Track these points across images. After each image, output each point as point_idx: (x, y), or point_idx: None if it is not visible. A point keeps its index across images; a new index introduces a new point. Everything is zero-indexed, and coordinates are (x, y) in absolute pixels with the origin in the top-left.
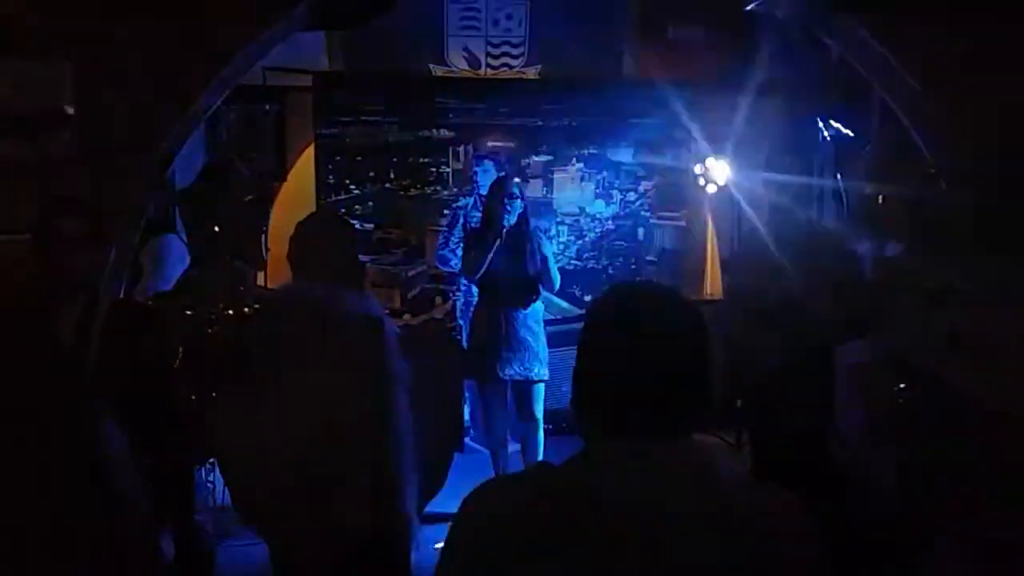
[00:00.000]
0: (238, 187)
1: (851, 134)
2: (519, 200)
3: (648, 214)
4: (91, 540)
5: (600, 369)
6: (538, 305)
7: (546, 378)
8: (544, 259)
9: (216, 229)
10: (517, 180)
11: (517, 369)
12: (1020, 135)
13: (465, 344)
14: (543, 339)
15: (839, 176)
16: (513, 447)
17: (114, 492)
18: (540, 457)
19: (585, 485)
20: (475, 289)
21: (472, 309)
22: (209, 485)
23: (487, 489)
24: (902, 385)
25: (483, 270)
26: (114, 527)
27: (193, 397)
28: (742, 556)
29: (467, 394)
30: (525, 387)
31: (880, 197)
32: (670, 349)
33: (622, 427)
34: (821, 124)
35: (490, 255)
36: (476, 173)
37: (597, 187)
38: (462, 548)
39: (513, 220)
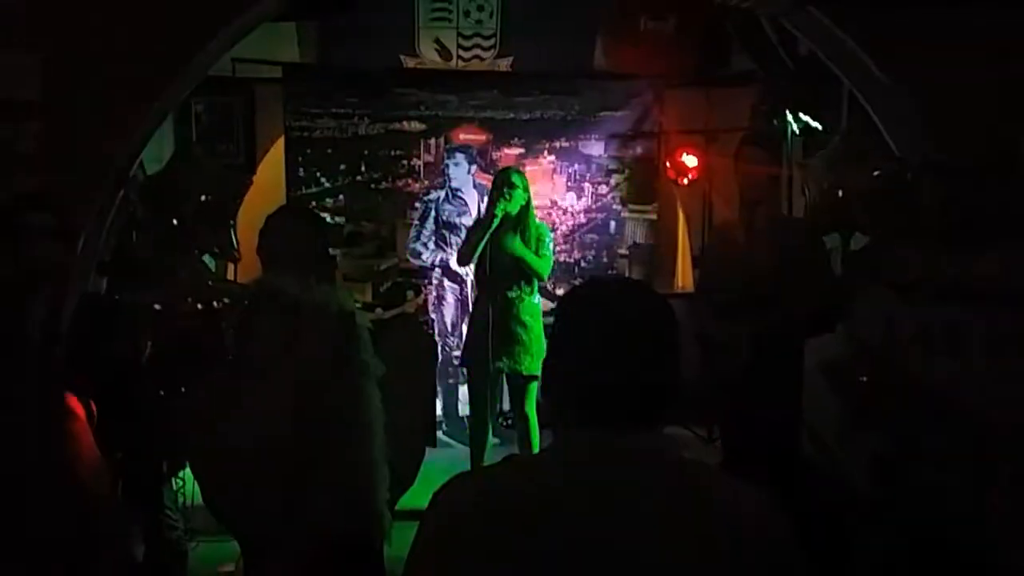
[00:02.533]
0: (197, 183)
1: (819, 127)
2: (520, 190)
3: (619, 207)
4: (47, 537)
5: (570, 361)
6: (534, 299)
7: (538, 374)
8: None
9: (174, 223)
10: (522, 172)
11: (506, 362)
12: (985, 127)
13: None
14: (538, 333)
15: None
16: (493, 442)
17: (73, 489)
18: (532, 451)
19: (554, 477)
20: (448, 281)
21: (475, 298)
22: (179, 482)
23: (456, 484)
24: (864, 378)
25: (474, 258)
26: (71, 525)
27: (162, 392)
28: (712, 546)
29: (439, 388)
30: (517, 382)
31: (839, 191)
32: (639, 341)
33: (591, 418)
34: (790, 117)
35: (481, 244)
36: (447, 166)
37: (569, 180)
38: (432, 544)
39: (514, 210)
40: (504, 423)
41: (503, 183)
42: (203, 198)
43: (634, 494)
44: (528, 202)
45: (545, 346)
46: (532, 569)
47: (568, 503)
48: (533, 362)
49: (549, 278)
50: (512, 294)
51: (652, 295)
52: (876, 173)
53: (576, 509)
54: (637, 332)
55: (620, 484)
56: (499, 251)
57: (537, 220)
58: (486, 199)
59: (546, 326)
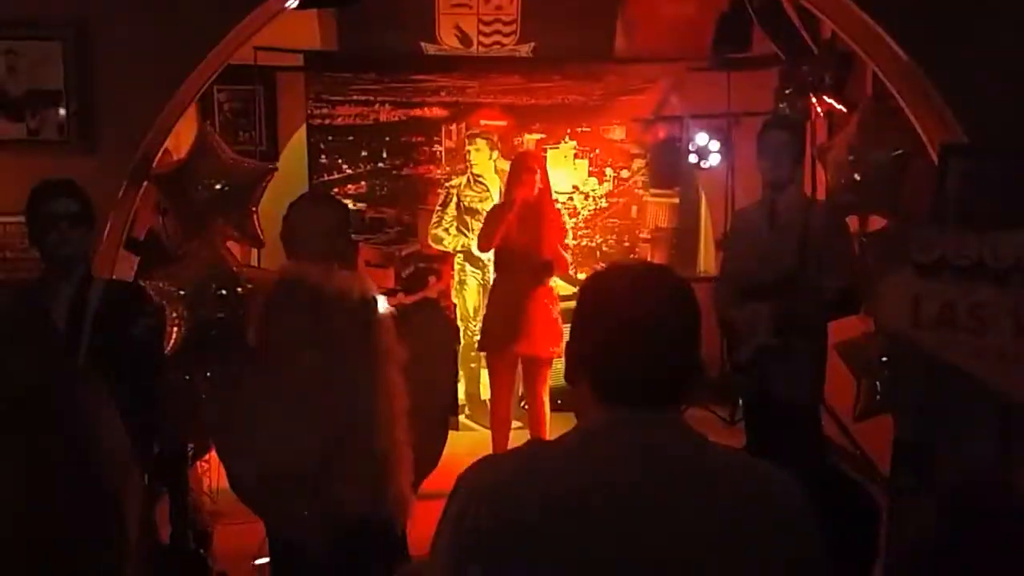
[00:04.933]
0: (212, 172)
1: (844, 109)
2: (537, 175)
3: (641, 191)
4: (82, 519)
5: (594, 343)
6: (551, 282)
7: (558, 355)
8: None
9: (193, 211)
10: (539, 157)
11: (526, 345)
12: (1010, 107)
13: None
14: (556, 316)
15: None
16: (516, 425)
17: (108, 474)
18: (545, 434)
19: (578, 456)
20: (469, 266)
21: (492, 283)
22: (205, 464)
23: (479, 468)
24: (884, 358)
25: (493, 243)
26: (107, 508)
27: (187, 378)
28: (737, 526)
29: (461, 372)
30: (535, 364)
31: (856, 174)
32: (662, 323)
33: (615, 400)
34: (813, 99)
35: (500, 229)
36: (469, 152)
37: (590, 165)
38: (454, 529)
39: (531, 194)
40: (525, 406)
41: (520, 168)
42: (219, 187)
43: (659, 476)
44: (546, 187)
45: (560, 329)
46: (556, 553)
47: (592, 486)
48: (553, 345)
49: (571, 262)
50: (536, 279)
51: (673, 276)
52: (896, 153)
53: (600, 492)
54: (660, 314)
55: (645, 466)
56: (521, 237)
57: (555, 205)
58: (473, 187)
59: (564, 311)
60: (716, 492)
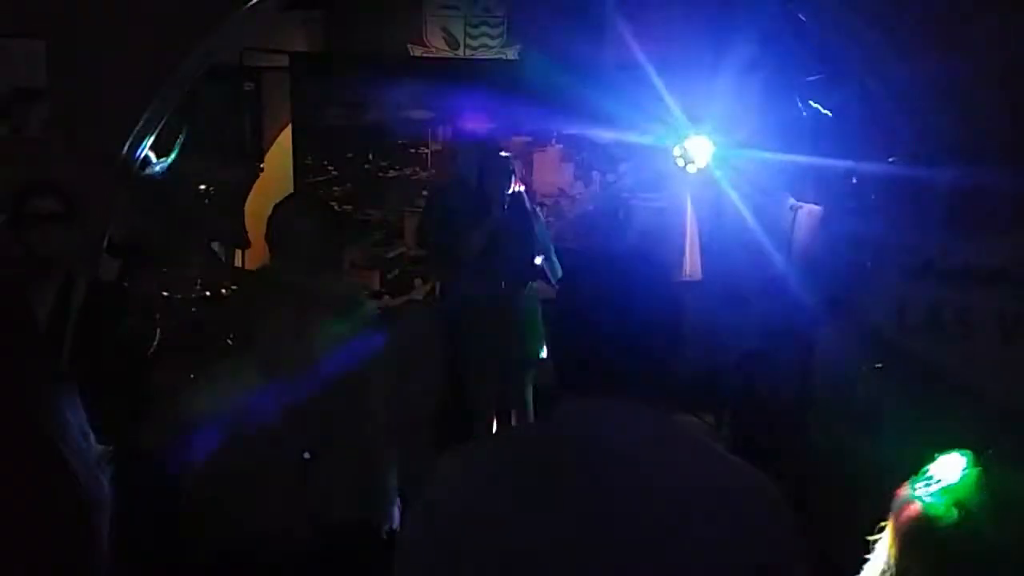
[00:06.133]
0: (194, 172)
1: (830, 113)
2: (513, 177)
3: (627, 195)
4: (56, 526)
5: (563, 332)
6: (534, 284)
7: (542, 356)
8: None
9: (175, 211)
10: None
11: (513, 348)
12: (997, 114)
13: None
14: (538, 316)
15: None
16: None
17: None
18: None
19: (537, 446)
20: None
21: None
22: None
23: (455, 454)
24: (879, 364)
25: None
26: (81, 516)
27: (171, 379)
28: (709, 521)
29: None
30: (519, 366)
31: (853, 177)
32: (627, 310)
33: (576, 387)
34: (800, 104)
35: (486, 233)
36: (455, 154)
37: (577, 168)
38: (426, 518)
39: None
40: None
41: (497, 171)
42: (201, 187)
43: (627, 462)
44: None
45: (544, 331)
46: (530, 540)
47: (544, 480)
48: (538, 346)
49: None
50: (520, 282)
51: (649, 267)
52: (891, 160)
53: (570, 474)
54: (627, 303)
55: (616, 450)
56: (503, 240)
57: (528, 205)
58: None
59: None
60: (662, 488)
